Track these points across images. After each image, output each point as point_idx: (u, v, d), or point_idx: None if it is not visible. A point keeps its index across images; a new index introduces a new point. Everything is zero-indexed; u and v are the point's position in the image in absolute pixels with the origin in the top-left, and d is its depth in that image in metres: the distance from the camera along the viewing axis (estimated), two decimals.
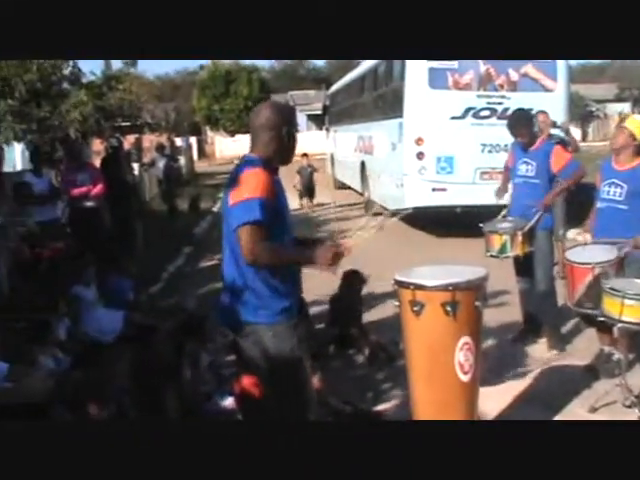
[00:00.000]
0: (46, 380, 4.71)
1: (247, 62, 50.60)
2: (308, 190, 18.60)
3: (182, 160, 17.33)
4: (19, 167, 13.83)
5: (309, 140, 34.72)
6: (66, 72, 11.53)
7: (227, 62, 50.12)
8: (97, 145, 15.13)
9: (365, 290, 7.51)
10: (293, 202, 14.01)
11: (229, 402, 5.36)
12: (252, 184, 3.51)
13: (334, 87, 24.80)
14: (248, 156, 3.75)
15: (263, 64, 59.93)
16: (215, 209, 18.37)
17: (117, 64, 13.76)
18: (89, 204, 9.64)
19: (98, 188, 9.68)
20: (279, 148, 3.69)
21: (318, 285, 6.97)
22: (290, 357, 3.67)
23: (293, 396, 3.70)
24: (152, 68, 42.90)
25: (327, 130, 24.52)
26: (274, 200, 3.58)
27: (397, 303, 4.66)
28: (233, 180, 3.63)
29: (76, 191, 9.58)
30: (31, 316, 6.31)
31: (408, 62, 12.24)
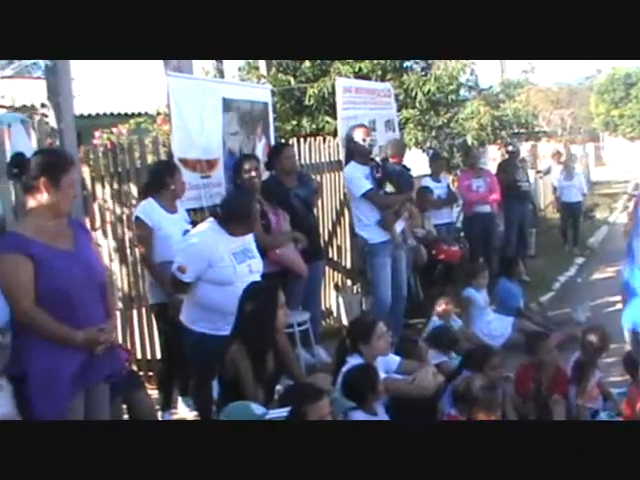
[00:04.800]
0: (436, 375, 4.84)
1: None
2: None
3: (578, 168, 16.75)
4: (416, 172, 14.40)
5: None
6: (463, 80, 11.77)
7: (627, 65, 47.70)
8: (493, 151, 15.27)
9: None
10: None
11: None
12: None
13: None
14: None
15: None
16: (611, 219, 17.56)
17: (514, 73, 13.70)
18: (484, 210, 9.75)
19: (494, 194, 9.75)
20: None
21: None
22: None
23: None
24: (550, 74, 42.28)
25: None
26: None
27: None
28: None
29: (472, 196, 9.75)
30: (426, 315, 6.57)
31: None
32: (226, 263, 4.70)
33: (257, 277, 4.88)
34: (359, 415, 4.37)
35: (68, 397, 3.69)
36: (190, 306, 4.88)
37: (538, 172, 18.94)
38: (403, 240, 7.10)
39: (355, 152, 6.96)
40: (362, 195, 6.78)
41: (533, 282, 9.88)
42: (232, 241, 4.80)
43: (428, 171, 10.03)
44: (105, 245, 6.38)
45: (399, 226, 6.98)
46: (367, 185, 6.76)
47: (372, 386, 4.48)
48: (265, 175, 6.73)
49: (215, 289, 4.69)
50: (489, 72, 14.56)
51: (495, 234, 9.96)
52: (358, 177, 6.82)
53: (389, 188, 6.92)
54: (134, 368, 6.09)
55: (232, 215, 4.84)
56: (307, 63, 10.82)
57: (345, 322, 7.86)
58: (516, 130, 14.31)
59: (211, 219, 4.95)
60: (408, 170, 7.70)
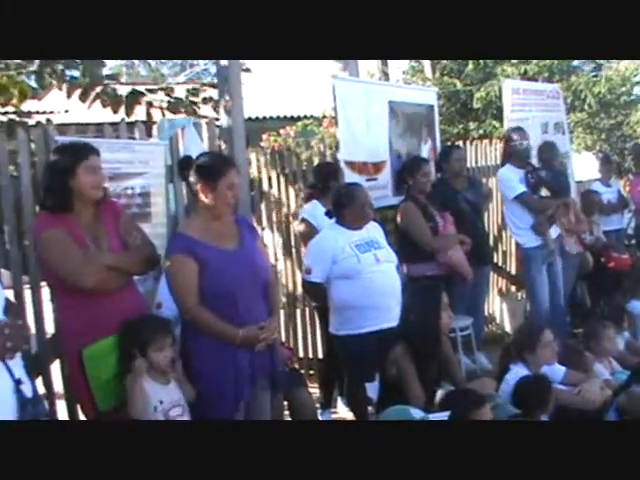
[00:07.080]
0: (603, 389, 4.67)
1: None
2: None
3: None
4: (586, 177, 13.84)
5: None
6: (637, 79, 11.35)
7: None
8: None
9: None
10: None
11: None
12: None
13: None
14: None
15: None
16: None
17: None
18: None
19: None
20: None
21: None
22: None
23: None
24: None
25: None
26: None
27: None
28: None
29: None
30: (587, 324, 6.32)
31: None
32: (348, 254, 4.73)
33: (389, 267, 4.88)
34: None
35: (232, 394, 3.81)
36: (332, 313, 4.95)
37: None
38: (559, 246, 6.90)
39: (512, 155, 6.84)
40: (515, 198, 6.67)
41: None
42: (352, 235, 4.83)
43: (598, 175, 9.64)
44: (271, 244, 6.55)
45: (554, 232, 6.80)
46: (520, 188, 6.63)
47: (543, 402, 4.36)
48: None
49: (345, 284, 4.73)
50: None
51: None
52: (512, 179, 6.71)
53: (544, 192, 6.77)
54: (296, 366, 6.22)
55: (339, 205, 4.91)
56: (471, 66, 10.71)
57: (508, 329, 7.71)
58: None
59: (331, 220, 5.04)
60: (565, 174, 7.46)
